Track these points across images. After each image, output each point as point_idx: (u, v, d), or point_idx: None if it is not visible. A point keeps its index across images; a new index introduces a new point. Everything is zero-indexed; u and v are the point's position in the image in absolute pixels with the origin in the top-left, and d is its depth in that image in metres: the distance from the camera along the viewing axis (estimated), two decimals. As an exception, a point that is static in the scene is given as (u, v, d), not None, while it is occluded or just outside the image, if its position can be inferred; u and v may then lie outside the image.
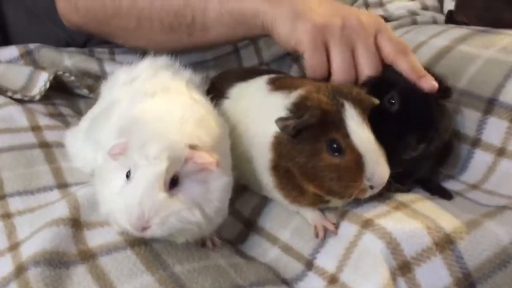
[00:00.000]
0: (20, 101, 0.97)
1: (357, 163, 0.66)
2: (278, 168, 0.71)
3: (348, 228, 0.68)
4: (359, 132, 0.67)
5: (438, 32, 0.97)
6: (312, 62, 0.79)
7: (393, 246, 0.63)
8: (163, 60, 0.85)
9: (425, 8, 1.27)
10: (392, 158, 0.69)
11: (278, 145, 0.71)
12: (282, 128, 0.68)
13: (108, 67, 1.12)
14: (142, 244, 0.64)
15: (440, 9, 1.30)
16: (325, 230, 0.70)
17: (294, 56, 1.16)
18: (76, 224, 0.67)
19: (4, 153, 0.83)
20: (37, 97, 1.00)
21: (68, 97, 1.10)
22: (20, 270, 0.60)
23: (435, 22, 1.18)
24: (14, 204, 0.74)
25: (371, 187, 0.67)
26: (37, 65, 1.09)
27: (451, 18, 1.17)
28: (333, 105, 0.68)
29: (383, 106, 0.73)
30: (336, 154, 0.67)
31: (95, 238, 0.66)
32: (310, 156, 0.68)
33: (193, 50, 1.05)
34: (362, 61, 0.78)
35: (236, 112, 0.81)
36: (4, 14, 1.21)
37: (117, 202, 0.61)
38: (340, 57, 0.78)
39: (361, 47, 0.78)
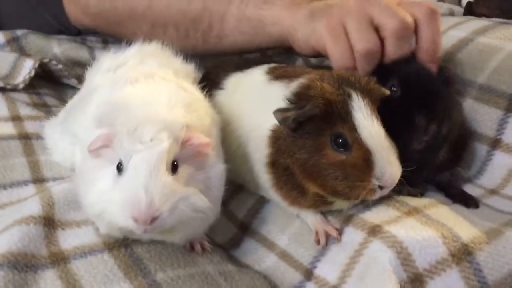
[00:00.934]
0: (2, 90, 0.96)
1: (365, 160, 0.64)
2: (276, 165, 0.69)
3: (353, 235, 0.66)
4: (368, 125, 0.64)
5: (455, 24, 0.95)
6: (335, 51, 0.78)
7: (403, 257, 0.61)
8: (152, 47, 0.84)
9: (441, 0, 1.28)
10: (402, 151, 0.67)
11: (276, 139, 0.68)
12: (281, 121, 0.66)
13: (99, 55, 1.08)
14: (122, 247, 0.63)
15: (458, 1, 1.32)
16: (327, 236, 0.68)
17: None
18: (49, 223, 0.65)
19: (-22, 144, 0.81)
20: (21, 86, 0.99)
21: (55, 86, 1.09)
22: (-19, 273, 0.59)
23: (451, 14, 1.17)
24: (-17, 199, 0.72)
25: (381, 188, 0.65)
26: (23, 52, 1.08)
27: (471, 10, 1.17)
28: (338, 95, 0.65)
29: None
30: (342, 150, 0.64)
31: (69, 239, 0.64)
32: (312, 152, 0.65)
33: (205, 56, 1.05)
34: (382, 21, 0.75)
35: (231, 104, 0.79)
36: (-4, 2, 1.21)
37: (111, 200, 0.58)
38: (356, 28, 0.76)
39: (379, 14, 0.76)
